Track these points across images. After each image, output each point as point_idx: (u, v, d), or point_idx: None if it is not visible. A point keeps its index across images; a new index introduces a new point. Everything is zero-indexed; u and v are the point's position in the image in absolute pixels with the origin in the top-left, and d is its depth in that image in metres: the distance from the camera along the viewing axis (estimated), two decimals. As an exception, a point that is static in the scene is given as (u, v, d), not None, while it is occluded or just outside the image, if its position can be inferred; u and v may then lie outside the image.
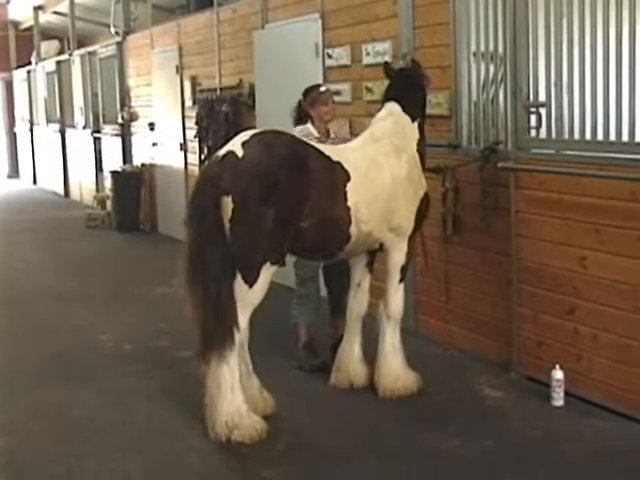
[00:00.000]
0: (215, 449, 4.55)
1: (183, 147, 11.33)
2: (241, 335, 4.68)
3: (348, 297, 5.45)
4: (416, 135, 5.42)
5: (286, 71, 8.04)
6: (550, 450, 4.45)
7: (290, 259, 5.14)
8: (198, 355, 4.66)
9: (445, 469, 4.29)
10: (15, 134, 22.74)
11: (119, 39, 13.63)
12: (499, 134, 5.69)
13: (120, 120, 13.56)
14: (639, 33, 4.72)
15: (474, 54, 5.86)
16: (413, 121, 5.41)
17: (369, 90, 6.91)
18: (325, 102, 5.81)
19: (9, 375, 6.04)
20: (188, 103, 10.98)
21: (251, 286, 4.65)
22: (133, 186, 12.72)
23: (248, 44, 8.99)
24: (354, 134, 5.97)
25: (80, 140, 16.23)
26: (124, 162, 13.48)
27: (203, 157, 10.07)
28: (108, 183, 13.56)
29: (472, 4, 5.82)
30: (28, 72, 20.57)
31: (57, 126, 17.96)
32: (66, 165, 17.70)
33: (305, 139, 5.14)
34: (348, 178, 4.91)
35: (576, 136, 5.07)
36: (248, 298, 4.68)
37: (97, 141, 15.08)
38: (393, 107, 5.38)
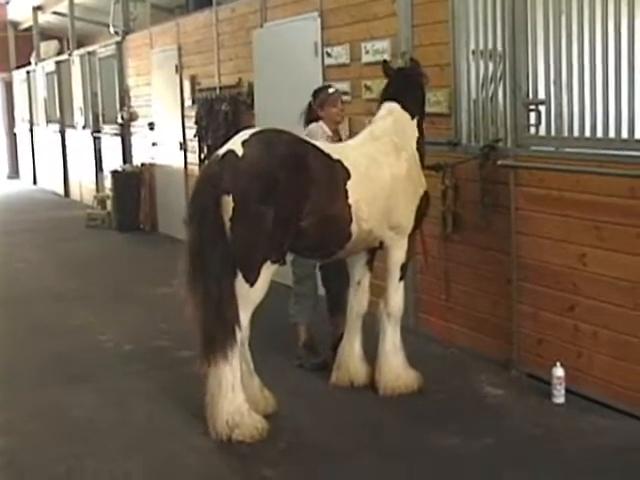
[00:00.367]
0: (216, 448, 4.55)
1: (183, 146, 11.33)
2: (242, 334, 4.68)
3: (347, 295, 5.45)
4: (415, 133, 5.42)
5: (285, 70, 8.04)
6: (551, 447, 4.44)
7: (288, 257, 5.13)
8: (199, 354, 4.66)
9: (446, 467, 4.29)
10: (15, 134, 22.73)
11: (118, 39, 13.63)
12: (499, 132, 5.69)
13: (120, 120, 13.56)
14: (638, 29, 4.72)
15: (473, 52, 5.86)
16: (412, 119, 5.41)
17: (368, 88, 6.90)
18: (334, 103, 5.80)
19: (9, 375, 6.05)
20: (187, 102, 10.98)
21: (252, 285, 4.65)
22: (133, 186, 12.72)
23: (247, 43, 8.98)
24: (353, 132, 5.96)
25: (80, 140, 16.23)
26: (124, 162, 13.48)
27: (203, 156, 10.07)
28: (108, 183, 13.56)
29: (471, 2, 5.81)
30: (28, 72, 20.57)
31: (57, 126, 17.96)
32: (66, 165, 17.70)
33: (318, 136, 5.13)
34: (348, 176, 4.91)
35: (575, 133, 5.07)
36: (249, 297, 4.67)
37: (97, 141, 15.08)
38: (393, 106, 5.39)
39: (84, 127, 15.85)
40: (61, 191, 18.08)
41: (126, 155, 13.59)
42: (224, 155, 4.63)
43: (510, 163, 5.46)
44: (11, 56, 22.28)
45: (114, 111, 13.88)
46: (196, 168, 10.46)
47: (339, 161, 4.93)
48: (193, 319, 4.65)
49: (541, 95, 5.30)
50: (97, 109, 15.04)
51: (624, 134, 4.74)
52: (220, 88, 9.90)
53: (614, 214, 4.75)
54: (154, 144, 12.35)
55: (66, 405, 5.33)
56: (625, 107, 4.72)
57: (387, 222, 5.13)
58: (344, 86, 7.11)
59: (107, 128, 14.50)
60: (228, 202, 4.53)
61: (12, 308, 8.10)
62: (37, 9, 19.53)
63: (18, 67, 21.63)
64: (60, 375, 5.92)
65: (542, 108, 5.27)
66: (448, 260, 6.20)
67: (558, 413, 4.90)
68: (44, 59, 19.23)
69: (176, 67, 11.25)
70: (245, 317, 4.70)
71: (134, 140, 13.43)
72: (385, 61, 5.70)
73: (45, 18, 19.60)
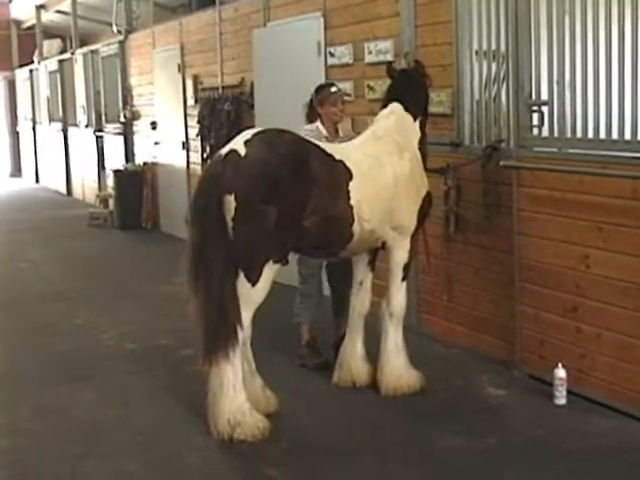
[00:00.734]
0: (217, 447, 4.55)
1: (185, 146, 11.33)
2: (244, 333, 4.68)
3: (350, 295, 5.45)
4: (417, 133, 5.42)
5: (288, 70, 8.03)
6: (552, 448, 4.44)
7: (293, 258, 5.13)
8: (201, 353, 4.66)
9: (448, 467, 4.29)
10: (18, 133, 22.76)
11: (121, 38, 13.64)
12: (501, 132, 5.68)
13: (122, 119, 13.57)
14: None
15: (476, 52, 5.86)
16: (414, 119, 5.41)
17: (371, 88, 6.90)
18: (334, 103, 5.79)
19: (12, 374, 6.05)
20: (190, 102, 10.99)
21: (254, 284, 4.65)
22: (135, 185, 12.72)
23: (250, 43, 8.98)
24: (357, 132, 5.96)
25: (82, 139, 16.24)
26: (126, 161, 13.50)
27: (205, 156, 10.08)
28: (110, 182, 13.57)
29: (474, 2, 5.81)
30: (30, 71, 20.59)
31: (59, 125, 17.97)
32: (68, 164, 17.71)
33: (313, 139, 5.14)
34: (350, 176, 4.91)
35: (578, 134, 5.06)
36: (251, 296, 4.68)
37: (99, 140, 15.08)
38: (395, 106, 5.39)
39: (87, 126, 15.86)
40: (63, 190, 18.09)
41: (128, 154, 13.60)
42: (227, 155, 4.64)
43: (513, 164, 5.45)
44: (14, 55, 22.31)
45: (117, 110, 13.90)
46: (198, 167, 10.47)
47: (341, 161, 4.93)
48: (195, 318, 4.66)
49: (544, 96, 5.29)
50: (100, 108, 15.04)
51: (627, 135, 4.74)
52: (223, 87, 9.90)
53: (617, 215, 4.75)
54: (156, 143, 12.36)
55: (68, 404, 5.33)
56: (628, 108, 4.71)
57: (389, 222, 5.13)
58: (347, 86, 7.11)
59: (110, 127, 14.51)
60: (230, 202, 4.53)
61: (14, 307, 8.10)
62: (40, 8, 19.55)
63: (21, 66, 21.66)
64: (62, 374, 5.93)
65: (545, 109, 5.27)
66: (450, 261, 6.19)
67: (560, 414, 4.90)
68: (47, 58, 19.25)
69: (179, 66, 11.25)
70: (247, 316, 4.70)
71: (136, 139, 13.44)
72: (389, 62, 5.71)
73: (48, 17, 19.62)
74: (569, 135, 5.13)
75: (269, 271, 4.68)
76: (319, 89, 5.90)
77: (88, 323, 7.31)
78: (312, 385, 5.53)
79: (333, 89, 5.88)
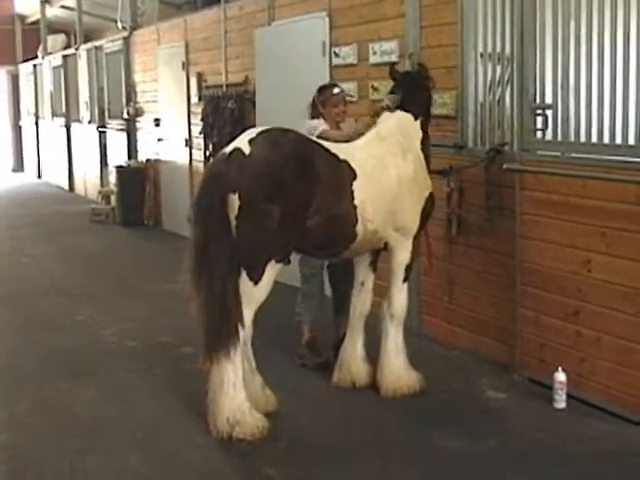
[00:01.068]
0: (217, 446, 4.55)
1: (188, 143, 11.34)
2: (245, 332, 4.69)
3: (351, 296, 5.46)
4: (419, 134, 5.40)
5: (292, 69, 8.03)
6: (553, 451, 4.45)
7: (295, 258, 5.14)
8: (202, 351, 4.66)
9: (448, 469, 4.29)
10: (20, 128, 22.75)
11: (126, 34, 13.64)
12: (505, 135, 5.68)
13: (126, 115, 13.57)
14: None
15: (481, 55, 5.86)
16: (415, 120, 5.40)
17: (375, 89, 6.90)
18: (336, 104, 5.78)
19: (12, 370, 6.06)
20: (194, 99, 11.00)
21: (256, 283, 4.66)
22: (138, 181, 12.72)
23: (254, 41, 8.98)
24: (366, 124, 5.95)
25: (85, 135, 16.25)
26: (129, 157, 13.51)
27: (208, 154, 10.08)
28: (113, 178, 13.58)
29: (479, 4, 5.81)
30: (34, 66, 20.60)
31: (62, 120, 17.98)
32: (71, 159, 17.72)
33: (317, 131, 5.13)
34: (354, 176, 4.92)
35: (582, 138, 5.06)
36: (253, 295, 4.68)
37: (102, 136, 15.09)
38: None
39: (90, 122, 15.86)
40: (65, 185, 18.10)
41: (131, 151, 13.60)
42: (231, 153, 4.64)
43: (516, 167, 5.45)
44: (18, 49, 22.32)
45: (120, 106, 13.90)
46: (201, 165, 10.48)
47: (345, 161, 4.93)
48: (197, 316, 4.66)
49: (548, 99, 5.29)
50: (103, 104, 15.05)
51: (631, 140, 4.74)
52: (227, 86, 9.90)
53: (620, 220, 4.75)
54: (159, 140, 12.36)
55: (68, 400, 5.34)
56: (632, 113, 4.71)
57: (392, 223, 5.13)
58: (351, 86, 7.11)
59: (113, 123, 14.52)
60: (234, 200, 4.54)
61: (15, 303, 8.11)
62: (45, 2, 19.54)
63: (25, 60, 21.66)
64: (63, 370, 5.93)
65: (549, 112, 5.27)
66: (452, 263, 6.19)
67: (559, 418, 4.90)
68: (51, 53, 19.25)
69: (183, 64, 11.25)
70: (248, 315, 4.70)
71: (139, 136, 13.44)
72: (392, 65, 5.70)
73: (52, 12, 19.61)
74: (573, 139, 5.13)
75: (271, 270, 4.68)
76: (321, 90, 5.88)
77: (89, 319, 7.32)
78: (312, 385, 5.53)
79: (335, 90, 5.86)
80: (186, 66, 11.19)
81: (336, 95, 5.82)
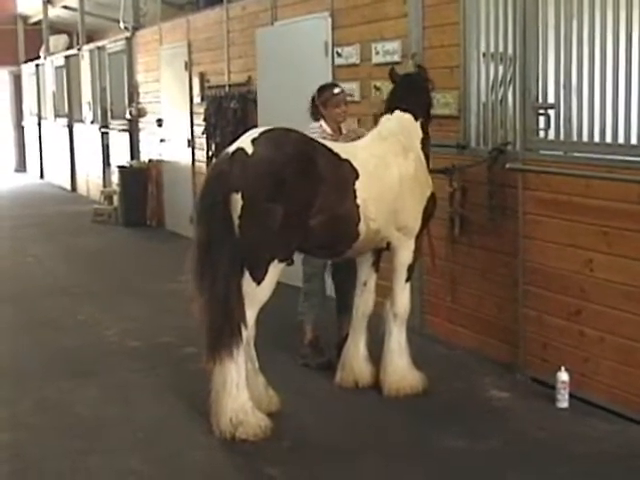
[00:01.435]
0: (219, 446, 4.55)
1: (191, 143, 11.34)
2: (248, 332, 4.69)
3: (354, 296, 5.46)
4: (419, 134, 5.40)
5: (294, 69, 8.02)
6: (555, 451, 4.44)
7: (298, 258, 5.13)
8: (205, 352, 4.66)
9: (450, 468, 4.29)
10: (23, 128, 22.76)
11: (128, 34, 13.65)
12: (507, 135, 5.68)
13: (128, 115, 13.57)
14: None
15: (483, 54, 5.85)
16: (416, 120, 5.39)
17: (378, 89, 6.90)
18: (337, 104, 5.76)
19: (14, 369, 6.06)
20: (196, 99, 10.99)
21: (259, 283, 4.66)
22: (140, 182, 12.73)
23: (256, 41, 8.97)
24: (367, 128, 5.95)
25: (88, 135, 16.25)
26: (131, 158, 13.51)
27: (210, 154, 10.08)
28: (115, 178, 13.58)
29: (482, 4, 5.81)
30: (37, 66, 20.61)
31: (65, 120, 17.99)
32: (73, 160, 17.73)
33: (317, 136, 5.13)
34: (357, 176, 4.92)
35: (585, 138, 5.07)
36: (256, 295, 4.68)
37: (105, 136, 15.10)
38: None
39: (92, 122, 15.87)
40: (68, 186, 18.11)
41: (134, 151, 13.61)
42: (234, 153, 4.64)
43: (518, 167, 5.45)
44: (20, 49, 22.32)
45: (122, 106, 13.90)
46: (203, 165, 10.47)
47: (348, 161, 4.93)
48: (200, 316, 4.66)
49: (551, 99, 5.29)
50: (105, 104, 15.06)
51: (634, 140, 4.74)
52: (229, 86, 9.90)
53: (622, 220, 4.74)
54: (162, 140, 12.36)
55: (70, 400, 5.34)
56: (635, 113, 4.71)
57: (394, 222, 5.13)
58: (353, 86, 7.11)
59: (115, 123, 14.52)
60: (237, 200, 4.54)
61: (18, 302, 8.11)
62: (47, 3, 19.54)
63: (27, 61, 21.67)
64: (65, 370, 5.94)
65: (551, 112, 5.27)
66: (454, 262, 6.19)
67: (562, 417, 4.90)
68: (53, 53, 19.26)
69: (185, 64, 11.25)
70: (251, 315, 4.70)
71: (142, 136, 13.45)
72: (392, 67, 5.69)
73: (55, 12, 19.62)
74: (575, 139, 5.13)
75: (274, 270, 4.68)
76: (321, 90, 5.85)
77: (92, 319, 7.32)
78: (314, 385, 5.53)
79: (336, 90, 5.83)
80: (189, 66, 11.19)
81: (337, 95, 5.80)
